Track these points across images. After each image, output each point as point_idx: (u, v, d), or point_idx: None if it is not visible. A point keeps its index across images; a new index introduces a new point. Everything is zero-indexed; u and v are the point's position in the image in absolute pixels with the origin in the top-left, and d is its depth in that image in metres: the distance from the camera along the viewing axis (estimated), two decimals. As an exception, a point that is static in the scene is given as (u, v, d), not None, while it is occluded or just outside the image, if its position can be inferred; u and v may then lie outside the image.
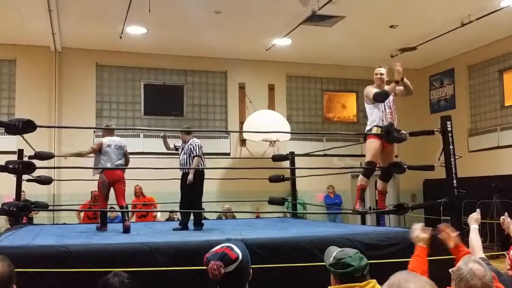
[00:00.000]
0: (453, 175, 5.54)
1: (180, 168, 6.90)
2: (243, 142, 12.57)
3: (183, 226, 6.69)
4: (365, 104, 6.44)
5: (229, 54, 12.25)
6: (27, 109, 10.72)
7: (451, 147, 5.58)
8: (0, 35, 10.79)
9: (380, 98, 6.15)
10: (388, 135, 6.05)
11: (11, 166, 4.98)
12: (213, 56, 12.30)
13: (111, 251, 4.19)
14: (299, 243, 4.59)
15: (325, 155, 10.83)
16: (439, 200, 5.90)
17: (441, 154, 5.63)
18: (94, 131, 11.27)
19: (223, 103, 12.92)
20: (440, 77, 13.79)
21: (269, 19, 10.06)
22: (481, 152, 12.03)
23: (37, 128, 4.93)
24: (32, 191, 8.54)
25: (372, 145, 6.20)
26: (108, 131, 6.88)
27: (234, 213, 10.32)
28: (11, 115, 10.99)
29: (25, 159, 6.74)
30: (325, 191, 12.54)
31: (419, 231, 3.29)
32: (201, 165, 6.77)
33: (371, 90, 6.25)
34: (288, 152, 8.90)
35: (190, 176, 6.59)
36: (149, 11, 8.62)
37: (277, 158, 8.54)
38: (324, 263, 2.72)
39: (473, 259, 2.56)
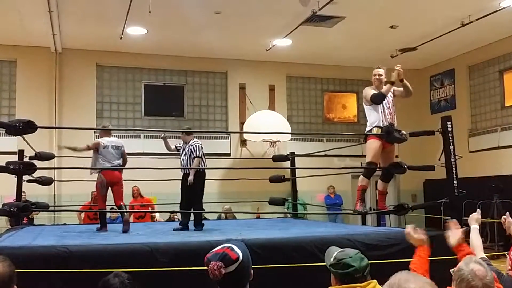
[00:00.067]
0: (454, 175, 5.54)
1: (180, 169, 6.90)
2: (243, 142, 12.57)
3: (184, 226, 6.69)
4: (364, 105, 6.46)
5: (230, 54, 12.26)
6: (27, 109, 10.72)
7: (451, 147, 5.59)
8: (0, 36, 10.79)
9: (377, 100, 6.18)
10: (389, 135, 6.06)
11: (11, 167, 4.99)
12: (213, 56, 12.31)
13: (111, 251, 4.19)
14: (300, 243, 4.59)
15: (325, 155, 10.82)
16: (440, 201, 5.91)
17: (441, 154, 5.64)
18: (94, 132, 11.24)
19: (224, 103, 12.92)
20: (440, 77, 13.79)
21: (269, 20, 10.07)
22: (482, 153, 12.03)
23: (38, 128, 4.94)
24: (33, 192, 8.55)
25: (372, 146, 6.21)
26: (105, 132, 6.88)
27: (235, 214, 10.32)
28: (12, 116, 10.98)
29: (26, 159, 6.75)
30: (326, 192, 12.54)
31: (412, 234, 3.30)
32: (201, 165, 6.78)
33: (369, 91, 6.28)
34: (288, 153, 8.90)
35: (190, 177, 6.59)
36: (150, 11, 8.62)
37: (277, 158, 8.55)
38: (324, 263, 2.72)
39: (474, 259, 2.56)
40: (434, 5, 9.46)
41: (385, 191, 6.65)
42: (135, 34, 10.76)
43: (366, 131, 6.45)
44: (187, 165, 6.70)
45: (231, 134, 12.58)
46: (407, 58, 11.97)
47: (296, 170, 8.80)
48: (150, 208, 9.95)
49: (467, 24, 10.03)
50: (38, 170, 5.52)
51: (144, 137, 11.76)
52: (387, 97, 6.27)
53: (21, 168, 5.18)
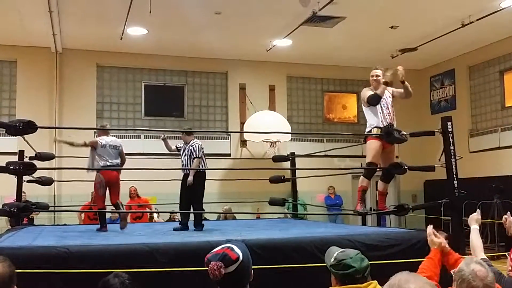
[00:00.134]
0: (454, 175, 5.53)
1: (180, 169, 6.90)
2: (243, 142, 12.57)
3: (183, 226, 6.69)
4: (363, 106, 6.48)
5: (230, 55, 12.26)
6: (27, 110, 10.73)
7: (451, 147, 5.58)
8: (0, 36, 10.80)
9: (373, 101, 6.21)
10: (389, 135, 6.06)
11: (11, 167, 4.98)
12: (213, 57, 12.31)
13: (111, 251, 4.19)
14: (300, 243, 4.58)
15: (325, 155, 10.82)
16: (440, 201, 5.90)
17: (441, 154, 5.63)
18: (94, 132, 11.23)
19: (224, 104, 12.92)
20: (440, 77, 13.79)
21: (270, 20, 10.07)
22: (482, 153, 12.03)
23: (38, 129, 4.94)
24: (33, 192, 8.55)
25: (372, 146, 6.21)
26: (104, 131, 6.89)
27: (235, 214, 10.32)
28: (12, 116, 10.99)
29: (26, 160, 6.75)
30: (326, 192, 12.54)
31: (432, 235, 3.28)
32: (201, 166, 6.77)
33: (366, 93, 6.32)
34: (288, 153, 8.89)
35: (190, 178, 6.59)
36: (150, 12, 8.62)
37: (277, 158, 8.54)
38: (324, 264, 2.72)
39: (475, 260, 2.56)
40: (434, 6, 9.46)
41: (385, 191, 6.64)
42: (136, 35, 10.76)
43: (365, 132, 6.46)
44: (188, 166, 6.70)
45: (231, 134, 12.58)
46: (407, 58, 11.96)
47: (296, 170, 8.80)
48: (147, 209, 9.95)
49: (468, 24, 10.03)
50: (38, 171, 5.50)
51: (145, 137, 11.77)
52: (385, 98, 6.28)
53: (21, 168, 5.17)
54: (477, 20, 9.81)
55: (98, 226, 6.72)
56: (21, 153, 7.22)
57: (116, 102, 12.24)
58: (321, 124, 13.68)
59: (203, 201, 6.85)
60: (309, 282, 4.09)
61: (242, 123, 12.53)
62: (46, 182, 7.49)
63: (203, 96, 12.82)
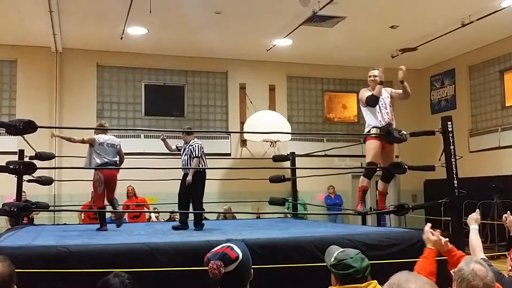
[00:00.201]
0: (454, 175, 5.53)
1: (180, 169, 6.90)
2: (243, 142, 12.57)
3: (183, 224, 6.70)
4: (361, 106, 6.51)
5: (230, 54, 12.26)
6: (27, 109, 10.73)
7: (451, 147, 5.58)
8: (0, 36, 10.80)
9: (371, 102, 6.26)
10: (388, 135, 6.07)
11: (11, 167, 4.99)
12: (213, 56, 12.31)
13: (111, 251, 4.19)
14: (300, 243, 4.58)
15: (325, 155, 10.82)
16: (440, 201, 5.90)
17: (441, 154, 5.63)
18: (94, 132, 11.23)
19: (224, 103, 12.92)
20: (440, 77, 13.79)
21: (270, 20, 10.07)
22: (482, 153, 12.03)
23: (38, 128, 4.94)
24: (33, 192, 8.55)
25: (371, 146, 6.23)
26: (102, 130, 6.89)
27: (235, 214, 10.32)
28: (12, 116, 11.00)
29: (26, 159, 6.75)
30: (326, 192, 12.54)
31: (429, 233, 3.28)
32: (201, 166, 6.78)
33: (364, 93, 6.36)
34: (288, 153, 8.89)
35: (189, 177, 6.60)
36: (150, 11, 8.62)
37: (277, 158, 8.55)
38: (324, 264, 2.72)
39: (475, 259, 2.56)
40: (435, 5, 9.46)
41: (385, 191, 6.65)
42: (136, 34, 10.76)
43: (365, 132, 6.47)
44: (188, 165, 6.70)
45: (232, 134, 12.58)
46: (407, 58, 11.96)
47: (296, 170, 8.79)
48: (145, 208, 9.96)
49: (468, 24, 10.03)
50: (38, 170, 5.51)
51: (145, 137, 11.77)
52: (383, 98, 6.31)
53: (21, 168, 5.18)
54: (477, 20, 9.81)
55: (98, 225, 6.73)
56: (21, 152, 7.22)
57: (116, 102, 12.24)
58: (321, 124, 13.69)
59: (203, 201, 6.85)
60: (309, 281, 4.09)
61: (242, 123, 12.53)
62: (46, 181, 7.49)
63: (203, 95, 12.82)
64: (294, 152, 8.86)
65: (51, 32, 10.20)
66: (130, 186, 9.84)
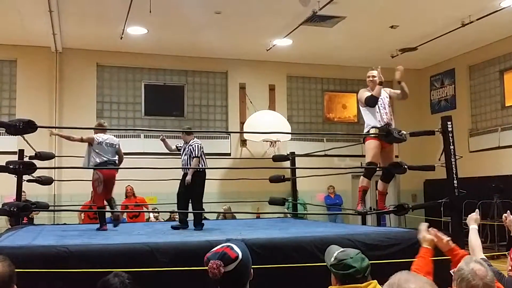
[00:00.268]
0: (454, 175, 5.54)
1: (180, 169, 6.90)
2: (243, 142, 12.57)
3: (182, 224, 6.70)
4: (360, 107, 6.52)
5: (230, 54, 12.26)
6: (27, 109, 10.73)
7: (451, 147, 5.58)
8: (0, 36, 10.80)
9: (370, 103, 6.27)
10: (388, 135, 6.07)
11: (11, 167, 4.99)
12: (213, 56, 12.31)
13: (111, 251, 4.18)
14: (300, 243, 4.58)
15: (325, 155, 10.82)
16: (440, 201, 5.91)
17: (441, 154, 5.64)
18: (94, 132, 11.25)
19: (224, 103, 12.92)
20: (440, 77, 13.79)
21: (270, 20, 10.07)
22: (482, 152, 12.03)
23: (38, 128, 4.94)
24: (33, 192, 8.55)
25: (371, 146, 6.24)
26: (101, 129, 6.90)
27: (235, 214, 10.32)
28: (12, 116, 11.00)
29: (26, 159, 6.74)
30: (326, 192, 12.54)
31: (424, 232, 3.28)
32: (201, 165, 6.78)
33: (363, 94, 6.37)
34: (288, 153, 8.89)
35: (188, 177, 6.59)
36: (150, 11, 8.62)
37: (277, 158, 8.55)
38: (324, 264, 2.72)
39: (475, 259, 2.56)
40: (435, 5, 9.46)
41: (385, 191, 6.66)
42: (136, 34, 10.76)
43: (364, 132, 6.48)
44: (188, 165, 6.70)
45: (231, 134, 12.59)
46: (407, 58, 11.97)
47: (296, 170, 8.79)
48: (144, 208, 9.96)
49: (468, 24, 10.03)
50: (38, 170, 5.51)
51: (145, 137, 11.77)
52: (382, 98, 6.32)
53: (21, 167, 5.18)
54: (477, 19, 9.81)
55: (98, 225, 6.73)
56: (21, 152, 7.21)
57: (116, 102, 12.24)
58: (321, 124, 13.69)
59: (203, 201, 6.85)
60: (308, 281, 4.09)
61: (242, 123, 12.53)
62: (46, 181, 7.50)
63: (203, 95, 12.82)
64: (294, 152, 8.85)
65: (51, 32, 10.20)
66: (129, 186, 9.84)
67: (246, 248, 2.35)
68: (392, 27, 10.65)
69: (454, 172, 5.54)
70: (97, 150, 6.55)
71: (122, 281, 2.75)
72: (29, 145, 6.64)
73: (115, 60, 12.16)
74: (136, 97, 12.39)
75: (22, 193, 7.23)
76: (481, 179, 11.33)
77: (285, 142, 12.19)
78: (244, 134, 12.06)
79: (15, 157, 6.84)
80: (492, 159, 11.85)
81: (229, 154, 12.29)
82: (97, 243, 4.75)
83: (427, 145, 10.66)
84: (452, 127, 5.65)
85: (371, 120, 6.30)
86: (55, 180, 8.72)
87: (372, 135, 6.25)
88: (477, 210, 3.87)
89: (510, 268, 3.28)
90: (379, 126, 6.22)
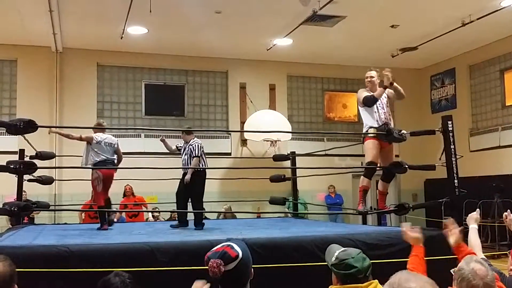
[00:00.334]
0: (454, 174, 5.54)
1: (180, 168, 6.91)
2: (244, 142, 12.57)
3: (181, 223, 6.70)
4: (358, 106, 6.53)
5: (230, 54, 12.26)
6: (28, 109, 10.73)
7: (452, 146, 5.59)
8: (1, 36, 10.80)
9: (368, 103, 6.27)
10: (387, 135, 6.07)
11: (12, 166, 5.00)
12: (213, 56, 12.31)
13: (112, 251, 4.18)
14: (300, 242, 4.58)
15: (326, 155, 10.82)
16: (440, 200, 5.91)
17: (442, 153, 5.64)
18: (93, 131, 11.24)
19: (224, 103, 12.92)
20: (441, 76, 13.79)
21: (270, 19, 10.07)
22: (482, 152, 12.03)
23: (38, 128, 4.95)
24: (33, 191, 8.56)
25: (370, 146, 6.25)
26: (100, 129, 6.90)
27: (235, 213, 10.32)
28: (12, 115, 11.00)
29: (26, 159, 6.75)
30: (326, 191, 12.54)
31: (409, 232, 3.30)
32: (201, 165, 6.78)
33: (362, 94, 6.38)
34: (289, 152, 8.88)
35: (187, 177, 6.59)
36: (150, 11, 8.63)
37: (278, 158, 8.54)
38: (325, 263, 2.72)
39: (475, 258, 2.55)
40: (435, 5, 9.46)
41: (386, 191, 6.66)
42: (136, 34, 10.76)
43: (363, 132, 6.49)
44: (188, 165, 6.70)
45: (232, 133, 12.59)
46: (407, 57, 11.98)
47: (297, 169, 8.79)
48: (143, 207, 9.96)
49: (468, 23, 10.03)
50: (38, 170, 5.52)
51: (145, 137, 11.77)
52: (381, 99, 6.32)
53: (21, 167, 5.18)
54: (478, 19, 9.81)
55: (99, 225, 6.74)
56: (21, 152, 7.21)
57: (117, 101, 12.24)
58: (321, 123, 13.68)
59: (204, 200, 6.85)
60: (309, 281, 4.09)
61: (242, 122, 12.53)
62: (46, 181, 7.49)
63: (203, 95, 12.82)
64: (294, 152, 8.85)
65: (51, 31, 10.20)
66: (128, 185, 9.83)
67: (247, 247, 2.35)
68: (392, 26, 10.65)
69: (455, 171, 5.54)
70: (96, 149, 6.57)
71: (122, 280, 2.75)
72: (30, 144, 6.65)
73: (115, 60, 12.16)
74: (136, 96, 12.39)
75: (23, 193, 7.22)
76: (482, 178, 11.33)
77: (285, 142, 12.19)
78: (245, 134, 12.06)
79: (15, 157, 6.84)
80: (492, 159, 11.85)
81: (229, 154, 12.29)
82: (98, 242, 4.75)
83: (427, 144, 10.66)
84: (452, 126, 5.65)
85: (369, 120, 6.31)
86: (55, 180, 8.72)
87: (370, 135, 6.25)
88: (477, 209, 3.86)
89: (511, 267, 3.28)
90: (377, 126, 6.23)
